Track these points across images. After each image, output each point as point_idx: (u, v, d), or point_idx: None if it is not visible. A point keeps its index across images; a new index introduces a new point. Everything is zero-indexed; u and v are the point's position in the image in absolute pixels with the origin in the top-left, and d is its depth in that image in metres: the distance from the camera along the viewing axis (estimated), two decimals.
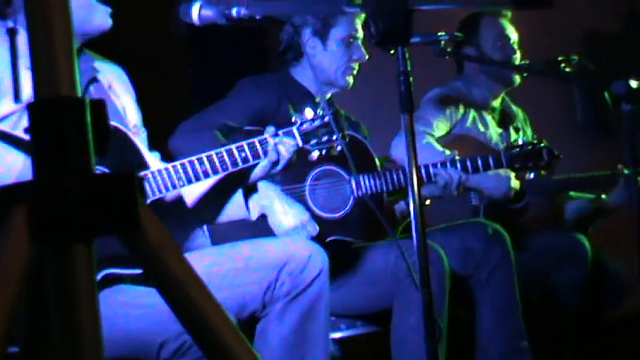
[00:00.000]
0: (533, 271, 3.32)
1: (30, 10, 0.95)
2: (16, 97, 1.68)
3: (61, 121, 0.93)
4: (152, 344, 1.99)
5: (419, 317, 2.07)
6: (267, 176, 2.39)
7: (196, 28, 2.26)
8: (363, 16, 2.94)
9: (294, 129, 2.35)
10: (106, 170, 2.11)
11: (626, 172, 3.45)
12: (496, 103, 3.68)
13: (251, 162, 2.27)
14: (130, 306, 2.00)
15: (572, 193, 3.73)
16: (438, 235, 2.94)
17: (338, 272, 2.55)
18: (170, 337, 1.95)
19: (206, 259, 2.20)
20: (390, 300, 2.74)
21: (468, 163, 2.99)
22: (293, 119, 2.37)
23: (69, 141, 0.93)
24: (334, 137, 2.35)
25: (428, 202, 3.06)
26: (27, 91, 1.81)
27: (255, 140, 2.28)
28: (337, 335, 2.84)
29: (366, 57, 3.00)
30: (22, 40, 1.97)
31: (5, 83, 1.95)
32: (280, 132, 2.33)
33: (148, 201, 2.14)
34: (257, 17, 2.22)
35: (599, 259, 3.45)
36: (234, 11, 2.20)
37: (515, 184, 3.26)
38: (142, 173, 2.16)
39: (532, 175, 3.11)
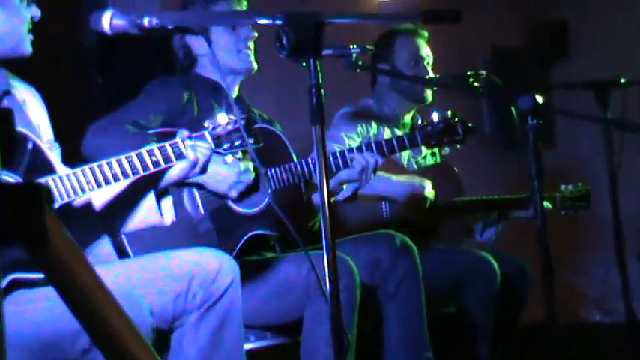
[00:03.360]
0: (442, 287, 3.38)
1: None
2: None
3: None
4: (63, 335, 1.97)
5: (328, 329, 2.09)
6: (185, 179, 2.39)
7: (106, 37, 2.26)
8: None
9: (207, 132, 2.36)
10: (16, 176, 2.09)
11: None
12: (407, 119, 3.73)
13: (162, 166, 2.27)
14: (39, 300, 1.98)
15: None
16: (348, 245, 2.95)
17: (249, 282, 2.57)
18: (80, 327, 1.94)
19: (114, 271, 2.19)
20: (301, 311, 2.75)
21: (384, 145, 3.00)
22: (206, 124, 2.38)
23: None
24: (250, 142, 2.37)
25: (344, 187, 3.06)
26: None
27: (167, 144, 2.28)
28: (246, 347, 2.83)
29: (255, 34, 2.98)
30: None
31: None
32: (193, 135, 2.34)
33: (57, 205, 2.11)
34: (169, 27, 2.22)
35: (506, 274, 3.52)
36: (145, 21, 2.20)
37: (430, 193, 3.31)
38: (52, 177, 2.13)
39: (448, 150, 3.14)
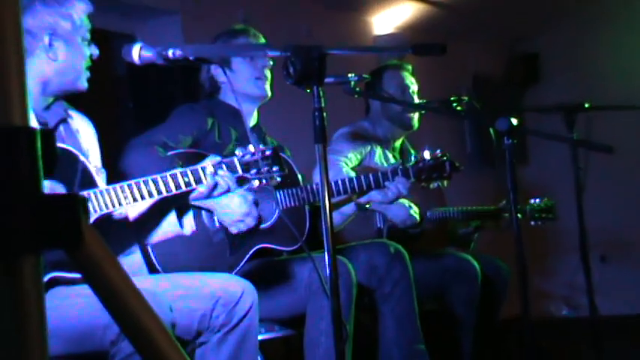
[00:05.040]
0: (431, 287, 3.37)
1: None
2: None
3: (13, 147, 0.92)
4: (96, 329, 1.97)
5: (329, 322, 2.08)
6: (206, 199, 2.38)
7: (136, 67, 2.27)
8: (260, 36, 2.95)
9: (236, 159, 2.35)
10: (60, 185, 2.09)
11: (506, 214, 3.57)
12: (397, 143, 3.73)
13: (193, 186, 2.26)
14: (76, 296, 1.97)
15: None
16: (347, 251, 2.94)
17: (260, 281, 2.55)
18: (109, 321, 1.93)
19: (148, 282, 2.19)
20: (304, 307, 2.73)
21: (372, 178, 2.99)
22: (237, 152, 2.37)
23: (20, 165, 0.92)
24: (274, 169, 2.36)
25: (368, 205, 3.08)
26: None
27: (198, 167, 2.27)
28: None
29: (271, 62, 2.96)
30: None
31: None
32: (223, 161, 2.32)
33: (98, 214, 2.12)
34: (190, 58, 2.22)
35: (486, 274, 3.51)
36: (170, 52, 2.20)
37: (414, 212, 3.30)
38: (94, 190, 2.13)
39: (436, 185, 3.12)
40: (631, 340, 4.97)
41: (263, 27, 3.03)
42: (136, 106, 3.98)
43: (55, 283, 2.03)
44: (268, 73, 2.95)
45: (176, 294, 2.14)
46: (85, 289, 1.95)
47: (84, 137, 2.38)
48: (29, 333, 0.91)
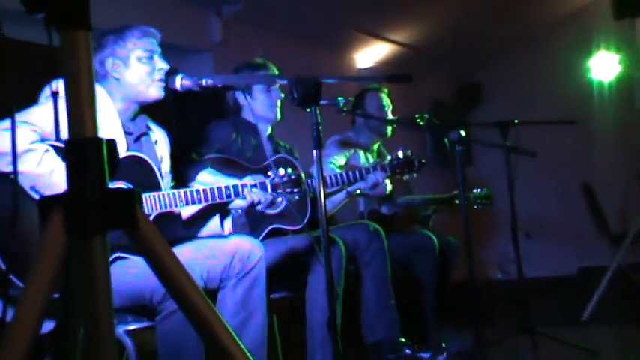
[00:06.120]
0: (401, 257, 3.36)
1: (67, 81, 0.94)
2: (57, 137, 1.65)
3: (86, 153, 0.92)
4: (146, 291, 1.97)
5: (324, 284, 2.07)
6: (245, 210, 2.40)
7: (177, 92, 2.25)
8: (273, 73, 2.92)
9: (267, 181, 2.34)
10: (130, 185, 2.08)
11: (457, 201, 3.57)
12: (374, 148, 3.72)
13: (232, 198, 2.26)
14: (131, 267, 1.96)
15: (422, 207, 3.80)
16: (338, 230, 2.93)
17: (272, 252, 2.53)
18: (156, 287, 1.93)
19: (185, 248, 2.17)
20: (305, 273, 2.70)
21: (357, 172, 2.98)
22: (269, 173, 2.37)
23: (90, 166, 0.92)
24: (295, 190, 2.38)
25: (358, 191, 3.07)
26: (64, 133, 1.79)
27: (239, 184, 2.27)
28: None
29: (282, 95, 2.91)
30: (61, 99, 1.94)
31: (49, 130, 1.96)
32: (257, 182, 2.32)
33: (161, 211, 2.12)
34: (219, 85, 2.21)
35: (441, 247, 3.50)
36: (204, 81, 2.19)
37: (389, 187, 3.27)
38: (158, 193, 2.12)
39: (409, 177, 3.10)
40: (548, 295, 4.99)
41: (274, 62, 3.02)
42: (178, 123, 3.96)
43: (118, 258, 2.02)
44: (279, 102, 2.93)
45: (204, 255, 2.12)
46: (138, 262, 1.96)
47: (160, 146, 2.34)
48: (99, 290, 0.91)
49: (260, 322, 2.17)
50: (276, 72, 2.90)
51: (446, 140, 2.84)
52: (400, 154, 3.03)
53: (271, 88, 2.89)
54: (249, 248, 2.17)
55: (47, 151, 1.95)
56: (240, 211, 2.44)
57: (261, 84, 2.89)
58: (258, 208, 2.34)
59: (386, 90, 3.70)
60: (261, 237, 2.70)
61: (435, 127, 3.38)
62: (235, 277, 2.14)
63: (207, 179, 2.53)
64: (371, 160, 3.59)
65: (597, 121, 5.88)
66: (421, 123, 3.21)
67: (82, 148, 0.92)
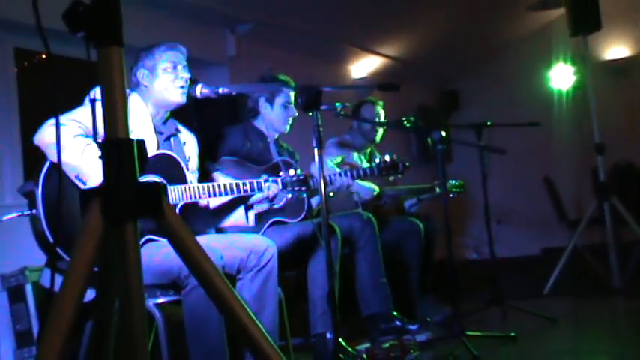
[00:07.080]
0: (391, 241, 3.35)
1: (103, 89, 0.94)
2: (95, 137, 1.66)
3: (118, 151, 0.92)
4: (174, 269, 1.97)
5: (324, 264, 2.06)
6: (262, 203, 2.38)
7: (198, 99, 2.25)
8: (293, 92, 2.91)
9: (279, 179, 2.34)
10: (160, 179, 2.07)
11: (437, 190, 3.55)
12: (367, 149, 3.70)
13: (249, 193, 2.26)
14: (160, 248, 1.96)
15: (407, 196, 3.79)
16: (335, 219, 2.90)
17: (278, 237, 2.51)
18: (183, 264, 1.92)
19: (206, 238, 2.16)
20: (308, 254, 2.68)
21: (355, 173, 2.93)
22: (281, 174, 2.36)
23: (123, 163, 0.92)
24: (303, 189, 2.37)
25: (331, 194, 3.03)
26: (101, 134, 1.78)
27: (254, 181, 2.27)
28: None
29: (296, 114, 2.89)
30: (98, 105, 1.94)
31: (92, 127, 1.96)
32: (270, 179, 2.31)
33: (186, 202, 2.11)
34: (233, 93, 2.21)
35: (425, 231, 3.48)
36: (220, 89, 2.19)
37: (377, 192, 3.28)
38: (186, 186, 2.11)
39: (392, 178, 3.09)
40: (515, 272, 4.99)
41: (281, 74, 3.00)
42: (198, 126, 3.94)
43: (149, 240, 2.02)
44: (291, 120, 2.89)
45: (224, 246, 2.12)
46: (166, 244, 1.95)
47: (188, 147, 2.33)
48: (131, 268, 0.92)
49: (272, 311, 2.17)
50: (292, 84, 2.87)
51: (429, 140, 2.83)
52: (387, 158, 3.02)
53: (289, 106, 2.87)
54: (264, 246, 2.17)
55: (89, 144, 1.95)
56: (265, 206, 2.42)
57: (277, 95, 2.86)
58: (273, 203, 2.34)
59: (381, 102, 3.69)
60: (265, 227, 2.68)
61: (419, 129, 3.37)
62: (251, 270, 2.13)
63: (220, 180, 2.52)
64: (363, 160, 3.59)
65: (556, 124, 5.90)
66: (408, 125, 3.20)
67: (115, 148, 0.92)
